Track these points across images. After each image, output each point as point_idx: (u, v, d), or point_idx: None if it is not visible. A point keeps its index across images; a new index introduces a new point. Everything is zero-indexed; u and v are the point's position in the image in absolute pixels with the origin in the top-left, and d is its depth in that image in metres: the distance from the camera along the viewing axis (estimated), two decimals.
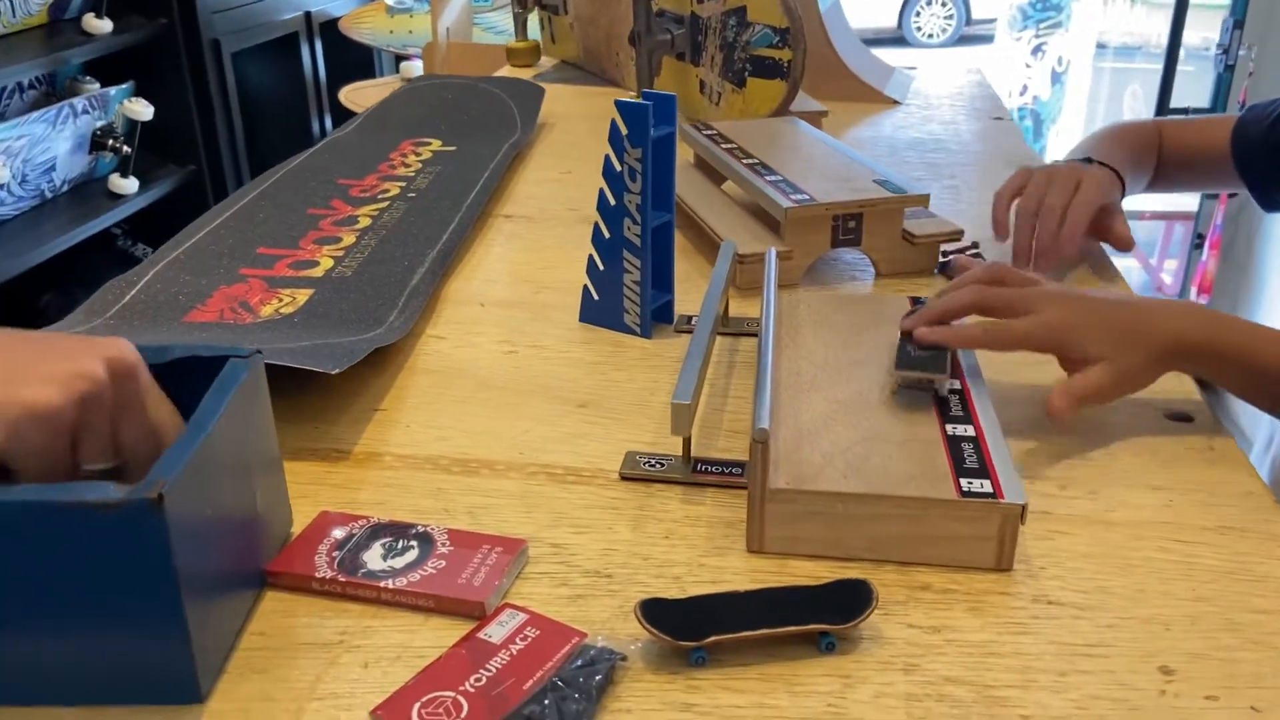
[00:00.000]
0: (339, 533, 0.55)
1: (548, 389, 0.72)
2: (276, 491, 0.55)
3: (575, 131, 1.35)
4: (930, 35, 7.57)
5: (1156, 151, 0.98)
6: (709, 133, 1.06)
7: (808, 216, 0.85)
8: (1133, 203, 0.87)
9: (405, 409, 0.69)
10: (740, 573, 0.53)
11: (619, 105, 0.74)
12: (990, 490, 0.52)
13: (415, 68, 2.96)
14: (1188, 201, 2.95)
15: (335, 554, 0.53)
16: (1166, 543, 0.55)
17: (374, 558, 0.53)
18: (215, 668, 0.46)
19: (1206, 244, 2.86)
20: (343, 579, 0.51)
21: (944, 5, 7.55)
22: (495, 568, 0.52)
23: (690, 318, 0.82)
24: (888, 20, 7.37)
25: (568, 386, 0.72)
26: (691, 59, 1.34)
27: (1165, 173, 0.99)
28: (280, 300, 0.79)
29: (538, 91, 1.35)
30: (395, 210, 0.96)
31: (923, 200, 0.87)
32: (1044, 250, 0.84)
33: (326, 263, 0.85)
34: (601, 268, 0.80)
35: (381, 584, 0.51)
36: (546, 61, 1.73)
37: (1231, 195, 2.62)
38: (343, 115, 2.89)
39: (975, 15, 7.51)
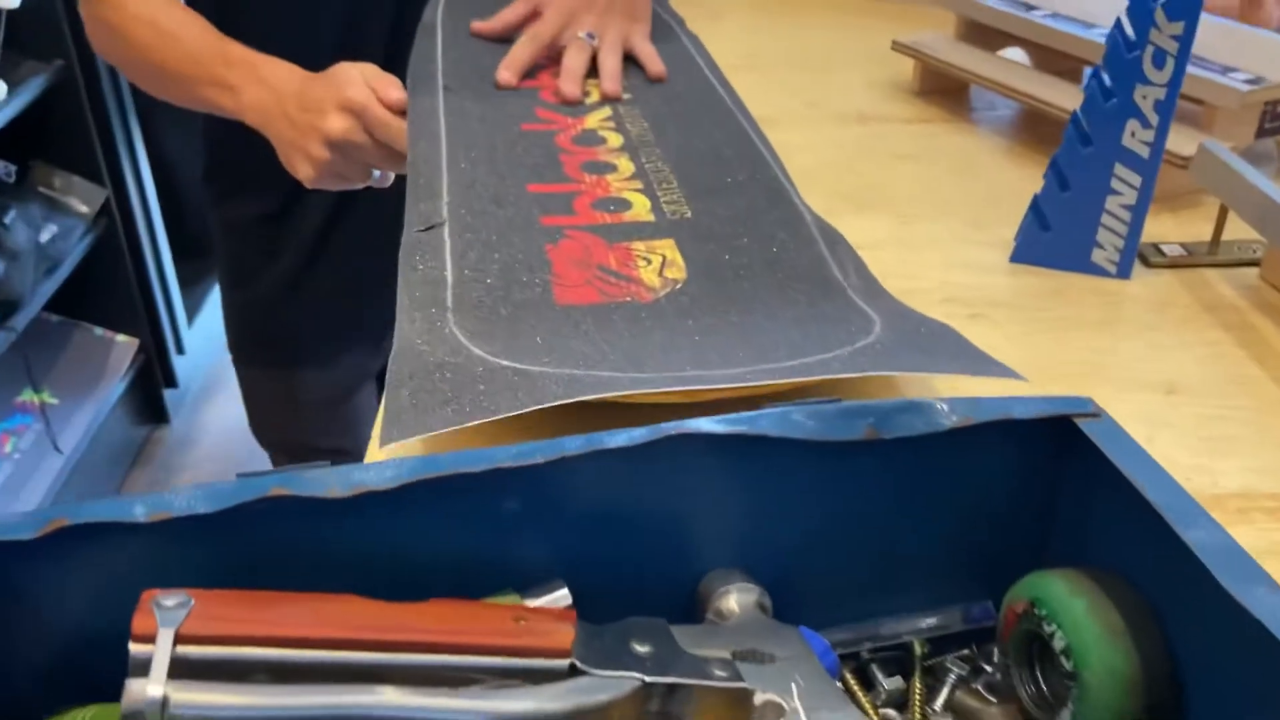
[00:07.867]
0: None
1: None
2: None
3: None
4: None
5: None
6: None
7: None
8: None
9: None
10: None
11: None
12: None
13: None
14: None
15: None
16: None
17: None
18: None
19: None
20: None
21: None
22: None
23: (1157, 245, 0.63)
24: None
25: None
26: None
27: None
28: (648, 260, 0.54)
29: None
30: (629, 118, 0.69)
31: None
32: None
33: (633, 197, 0.60)
34: (1067, 189, 0.59)
35: None
36: None
37: None
38: None
39: None
